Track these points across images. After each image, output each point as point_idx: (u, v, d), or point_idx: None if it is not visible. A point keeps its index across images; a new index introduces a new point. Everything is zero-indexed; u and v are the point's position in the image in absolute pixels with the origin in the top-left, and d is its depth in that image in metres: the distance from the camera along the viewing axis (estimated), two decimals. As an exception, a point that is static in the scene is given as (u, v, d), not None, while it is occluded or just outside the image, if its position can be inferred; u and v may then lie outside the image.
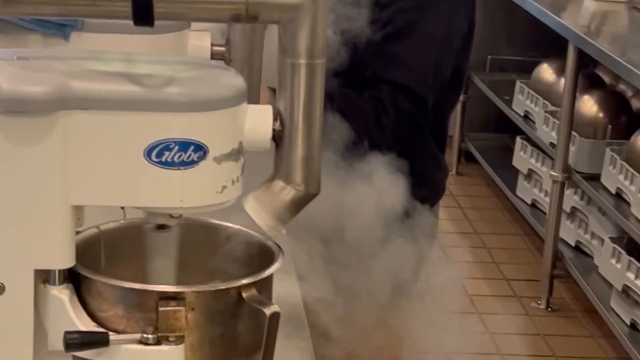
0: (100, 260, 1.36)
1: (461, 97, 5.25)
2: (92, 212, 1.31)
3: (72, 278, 1.25)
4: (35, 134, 1.18)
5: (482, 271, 4.32)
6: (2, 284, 1.21)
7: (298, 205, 1.30)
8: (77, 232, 1.33)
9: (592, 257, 3.97)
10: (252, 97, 1.62)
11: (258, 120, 1.26)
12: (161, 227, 1.29)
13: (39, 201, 1.20)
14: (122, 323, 1.23)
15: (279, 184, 1.29)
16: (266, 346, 1.24)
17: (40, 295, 1.24)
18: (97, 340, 1.20)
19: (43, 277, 1.24)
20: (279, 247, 1.33)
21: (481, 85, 5.16)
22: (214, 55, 1.63)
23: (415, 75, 2.15)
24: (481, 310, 4.00)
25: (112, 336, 1.20)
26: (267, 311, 1.23)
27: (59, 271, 1.24)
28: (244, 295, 1.24)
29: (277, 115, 1.27)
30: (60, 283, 1.24)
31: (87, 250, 1.33)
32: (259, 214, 1.29)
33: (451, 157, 5.37)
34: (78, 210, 1.29)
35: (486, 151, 5.22)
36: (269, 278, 1.29)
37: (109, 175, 1.21)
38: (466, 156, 5.38)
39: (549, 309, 4.04)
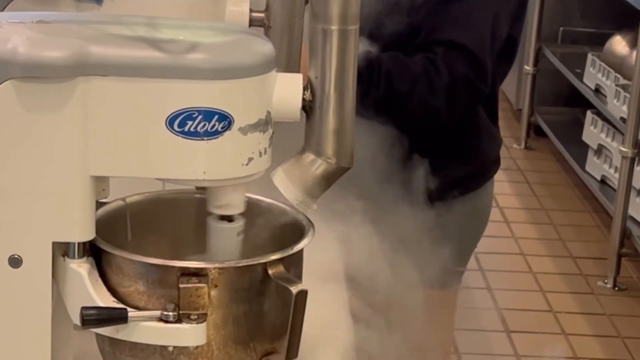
0: (126, 234, 1.31)
1: (531, 70, 5.17)
2: (129, 183, 1.26)
3: (93, 252, 1.21)
4: (53, 101, 1.13)
5: (548, 248, 4.22)
6: (19, 256, 1.17)
7: (329, 179, 1.24)
8: (103, 204, 1.29)
9: (662, 236, 3.86)
10: (292, 65, 1.56)
11: (287, 90, 1.20)
12: (225, 217, 1.24)
13: (57, 171, 1.16)
14: (142, 299, 1.18)
15: (309, 156, 1.23)
16: (292, 326, 1.18)
17: (59, 269, 1.19)
18: (114, 317, 1.15)
19: (62, 250, 1.19)
20: (310, 221, 1.27)
21: (552, 58, 5.04)
22: (252, 22, 1.57)
23: (473, 35, 2.04)
24: (545, 289, 3.90)
25: (131, 313, 1.15)
26: (294, 289, 1.17)
27: (78, 244, 1.19)
28: (270, 272, 1.19)
29: (307, 84, 1.21)
30: (80, 257, 1.19)
31: (113, 223, 1.29)
32: (288, 188, 1.24)
33: (520, 131, 5.27)
34: (101, 182, 1.24)
35: (556, 125, 5.09)
36: (298, 254, 1.23)
37: (129, 145, 1.16)
38: (536, 130, 5.26)
39: (616, 288, 3.94)
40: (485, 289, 3.89)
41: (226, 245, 1.25)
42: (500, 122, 5.97)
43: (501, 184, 4.79)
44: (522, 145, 5.23)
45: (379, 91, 1.97)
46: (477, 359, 3.43)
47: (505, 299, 3.80)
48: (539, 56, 5.15)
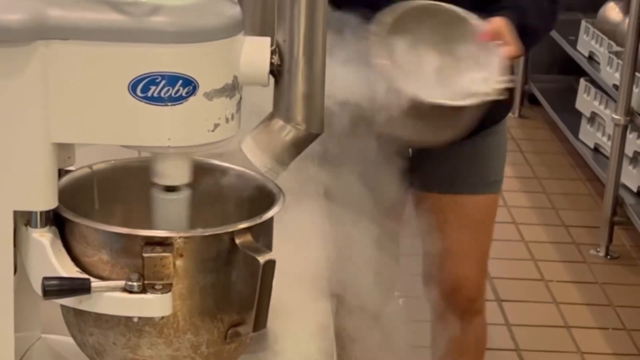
0: (94, 203, 1.28)
1: (525, 38, 5.12)
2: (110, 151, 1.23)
3: (57, 221, 1.18)
4: (12, 66, 1.10)
5: (540, 217, 4.19)
6: (-21, 225, 1.14)
7: (299, 145, 1.21)
8: (68, 172, 1.26)
9: (654, 204, 3.83)
10: (268, 30, 1.53)
11: (255, 54, 1.17)
12: (171, 188, 1.21)
13: (18, 138, 1.13)
14: (106, 269, 1.15)
15: (278, 122, 1.20)
16: (260, 296, 1.15)
17: (21, 239, 1.17)
18: (77, 287, 1.12)
19: (25, 219, 1.17)
20: (280, 189, 1.24)
21: (546, 25, 4.98)
22: (226, -14, 1.53)
23: None
24: (537, 257, 3.88)
25: (94, 283, 1.13)
26: (262, 259, 1.14)
27: (41, 213, 1.16)
28: (238, 241, 1.16)
29: (276, 48, 1.18)
30: (42, 226, 1.16)
31: (80, 191, 1.26)
32: (256, 155, 1.21)
33: (514, 100, 5.23)
34: (65, 149, 1.22)
35: (550, 94, 5.05)
36: (267, 223, 1.20)
37: (91, 111, 1.12)
38: (529, 99, 5.22)
39: (608, 257, 3.91)
40: (476, 258, 3.86)
41: (172, 218, 1.22)
42: (494, 91, 5.91)
43: (494, 152, 4.76)
44: (516, 114, 5.19)
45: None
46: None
47: (497, 268, 3.77)
48: (532, 23, 5.10)
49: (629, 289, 3.70)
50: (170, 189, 1.20)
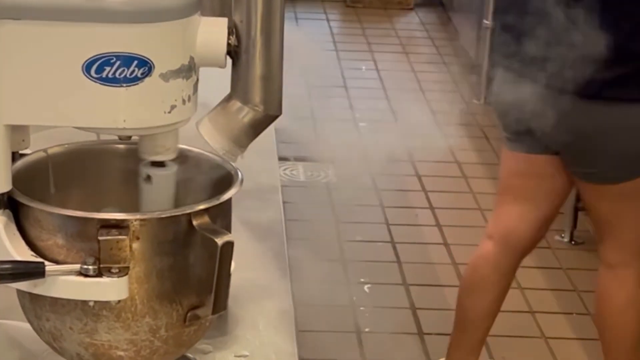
0: (49, 186, 1.26)
1: (490, 24, 5.13)
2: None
3: (11, 205, 1.16)
4: (-37, 47, 1.08)
5: (505, 203, 4.20)
6: None
7: (257, 127, 1.20)
8: (23, 155, 1.24)
9: (618, 190, 3.84)
10: (227, 12, 1.51)
11: (212, 34, 1.16)
12: (157, 164, 1.20)
13: (-30, 120, 1.11)
14: (62, 253, 1.13)
15: (235, 104, 1.19)
16: (218, 278, 1.14)
17: (-25, 222, 1.15)
18: (31, 271, 1.11)
19: (-22, 202, 1.15)
20: (238, 171, 1.23)
21: (510, 12, 5.00)
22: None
23: None
24: (502, 243, 3.88)
25: (49, 267, 1.11)
26: (219, 241, 1.13)
27: (-6, 196, 1.14)
28: (195, 223, 1.15)
29: (233, 28, 1.17)
30: (-4, 209, 1.15)
31: (35, 175, 1.24)
32: (214, 137, 1.19)
33: (479, 86, 5.24)
34: (18, 132, 1.20)
35: (515, 80, 5.06)
36: (225, 204, 1.19)
37: (44, 93, 1.11)
38: (494, 85, 5.23)
39: (573, 242, 3.93)
40: (442, 244, 3.87)
41: (161, 193, 1.21)
42: (459, 77, 5.95)
43: (460, 139, 4.77)
44: (481, 100, 5.20)
45: None
46: (432, 315, 3.42)
47: (462, 254, 3.78)
48: (495, 10, 5.11)
49: (593, 274, 3.69)
50: (159, 164, 1.19)
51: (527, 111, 2.56)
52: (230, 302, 1.33)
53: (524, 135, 2.64)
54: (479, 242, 2.87)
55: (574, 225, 3.95)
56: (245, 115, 1.18)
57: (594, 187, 2.64)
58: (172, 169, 1.22)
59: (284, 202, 1.82)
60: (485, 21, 5.18)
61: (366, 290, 3.54)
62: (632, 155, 2.58)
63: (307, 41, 5.95)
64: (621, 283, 2.71)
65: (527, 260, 3.77)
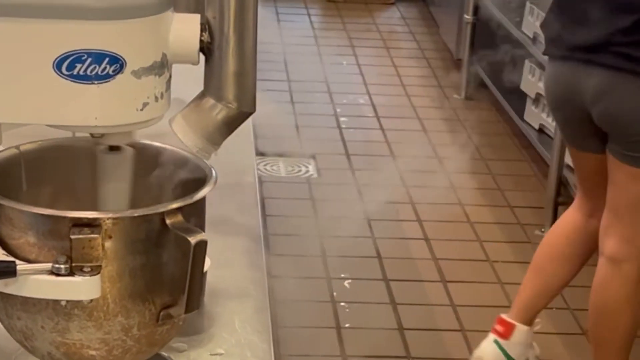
0: (22, 184, 1.25)
1: (471, 19, 5.14)
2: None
3: (-18, 202, 1.15)
4: None
5: (486, 198, 4.21)
6: None
7: (231, 124, 1.19)
8: (-5, 153, 1.23)
9: (598, 184, 3.84)
10: (201, 8, 1.50)
11: (184, 31, 1.15)
12: (113, 148, 1.19)
13: (-61, 118, 1.10)
14: (33, 252, 1.12)
15: (209, 101, 1.18)
16: (192, 277, 1.13)
17: (-55, 221, 1.14)
18: (2, 270, 1.10)
19: (-51, 201, 1.14)
20: (212, 169, 1.22)
21: (491, 7, 5.00)
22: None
23: None
24: (483, 238, 3.89)
25: (20, 266, 1.10)
26: (193, 240, 1.12)
27: (-36, 195, 1.13)
28: (168, 222, 1.14)
29: (206, 25, 1.16)
30: (-34, 208, 1.13)
31: (7, 172, 1.23)
32: (187, 135, 1.19)
33: (460, 80, 5.24)
34: (-10, 129, 1.18)
35: (495, 75, 5.06)
36: (199, 203, 1.18)
37: (15, 90, 1.10)
38: (475, 80, 5.23)
39: (553, 237, 3.93)
40: (422, 239, 3.87)
41: (116, 177, 1.20)
42: (440, 72, 5.96)
43: (441, 134, 4.77)
44: (462, 95, 5.21)
45: None
46: (413, 310, 3.41)
47: (442, 249, 3.79)
48: (478, 5, 5.11)
49: (574, 270, 3.72)
50: (114, 148, 1.19)
51: (589, 96, 2.63)
52: (206, 300, 1.33)
53: (584, 138, 2.73)
54: (567, 215, 2.97)
55: (554, 220, 3.95)
56: (219, 112, 1.18)
57: (633, 170, 2.65)
58: (126, 153, 1.21)
59: (264, 198, 1.81)
60: (465, 16, 5.18)
61: (346, 285, 3.54)
62: None
63: (288, 36, 5.95)
64: (624, 278, 2.71)
65: (507, 255, 3.79)
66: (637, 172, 2.64)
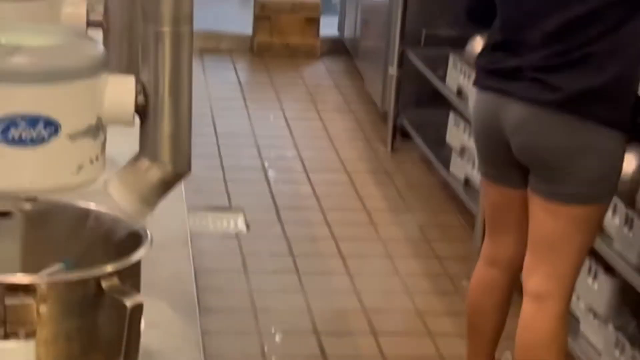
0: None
1: (396, 72, 5.20)
2: None
3: None
4: None
5: (414, 249, 4.24)
6: None
7: (166, 186, 1.19)
8: None
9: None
10: (133, 69, 1.51)
11: (119, 93, 1.15)
12: (3, 214, 1.18)
13: None
14: (-33, 317, 1.11)
15: (144, 163, 1.18)
16: (128, 341, 1.13)
17: None
18: None
19: None
20: (146, 231, 1.22)
21: (416, 61, 5.07)
22: (90, 24, 1.51)
23: None
24: (411, 289, 3.92)
25: (-47, 332, 1.09)
26: (129, 303, 1.12)
27: None
28: (104, 285, 1.13)
29: (141, 87, 1.16)
30: None
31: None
32: (122, 197, 1.18)
33: (386, 133, 5.30)
34: None
35: (421, 127, 5.13)
36: (134, 265, 1.18)
37: (-52, 154, 1.09)
38: (402, 133, 5.29)
39: (481, 288, 3.97)
40: (352, 291, 3.88)
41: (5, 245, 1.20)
42: (367, 125, 6.01)
43: (368, 186, 4.81)
44: (389, 148, 5.26)
45: None
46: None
47: (372, 300, 3.80)
48: (403, 59, 5.18)
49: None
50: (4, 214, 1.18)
51: (508, 129, 2.68)
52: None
53: (502, 167, 2.77)
54: (477, 269, 2.98)
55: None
56: (155, 174, 1.18)
57: (554, 207, 2.67)
58: (17, 218, 1.20)
59: (194, 253, 1.81)
60: (390, 69, 5.25)
61: (277, 340, 3.53)
62: (596, 178, 2.64)
63: (215, 90, 5.96)
64: (549, 315, 2.74)
65: (436, 306, 3.82)
66: (556, 208, 2.67)
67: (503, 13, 2.72)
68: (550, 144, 2.63)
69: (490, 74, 2.73)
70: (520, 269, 2.86)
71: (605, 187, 2.65)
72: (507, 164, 2.74)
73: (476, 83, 2.82)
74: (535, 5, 2.61)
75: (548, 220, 2.69)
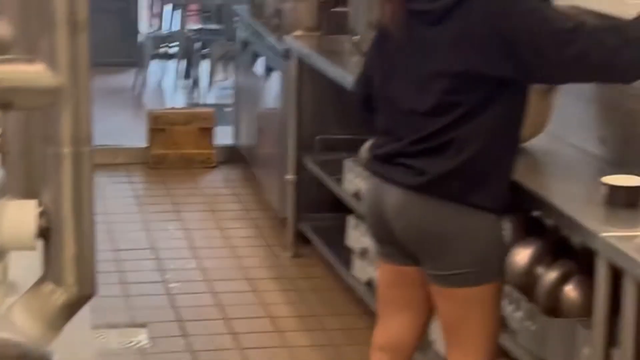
0: None
1: (293, 179, 5.24)
2: None
3: None
4: None
5: (321, 354, 4.22)
6: None
7: (72, 308, 1.18)
8: None
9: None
10: (32, 192, 1.50)
11: (19, 218, 1.14)
12: None
13: None
14: None
15: (48, 286, 1.17)
16: None
17: None
18: None
19: None
20: (51, 355, 1.20)
21: (312, 166, 5.12)
22: (-13, 148, 1.50)
23: None
24: (321, 396, 3.89)
25: None
26: None
27: None
28: (11, 414, 1.11)
29: (42, 210, 1.16)
30: None
31: None
32: (26, 322, 1.16)
33: (287, 239, 5.31)
34: None
35: (321, 231, 5.16)
36: (42, 392, 1.16)
37: None
38: (302, 237, 5.31)
39: None
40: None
41: None
42: (267, 232, 6.01)
43: (272, 293, 4.79)
44: (290, 253, 5.26)
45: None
46: None
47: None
48: (299, 165, 5.23)
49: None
50: None
51: (390, 213, 2.75)
52: None
53: (391, 246, 2.82)
54: (370, 355, 3.00)
55: None
56: (59, 297, 1.16)
57: (444, 290, 2.72)
58: None
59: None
60: (287, 176, 5.28)
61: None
62: (476, 260, 2.68)
63: (112, 205, 5.91)
64: None
65: None
66: (447, 291, 2.72)
67: (380, 102, 2.84)
68: (426, 228, 2.71)
69: (375, 159, 2.85)
70: (411, 354, 2.90)
71: (488, 267, 2.71)
72: (397, 244, 2.81)
73: (366, 167, 2.91)
74: (404, 94, 2.73)
75: (444, 304, 2.75)
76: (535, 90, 3.01)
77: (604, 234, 2.42)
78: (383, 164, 2.78)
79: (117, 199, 6.07)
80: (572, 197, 2.79)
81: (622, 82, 2.74)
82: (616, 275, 2.42)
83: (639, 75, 2.64)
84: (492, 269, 2.72)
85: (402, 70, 2.72)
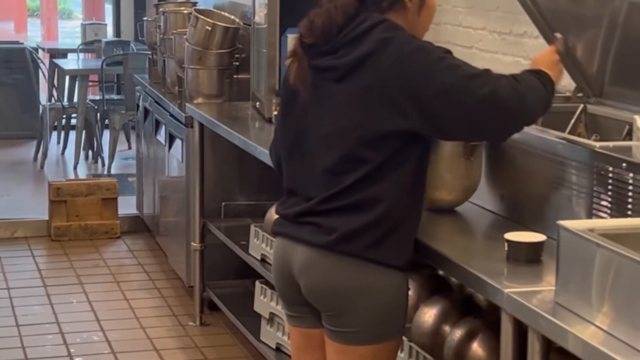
0: None
1: (199, 246, 5.20)
2: None
3: None
4: None
5: None
6: None
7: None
8: None
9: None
10: None
11: None
12: None
13: None
14: None
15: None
16: None
17: None
18: None
19: None
20: None
21: (217, 233, 5.09)
22: None
23: None
24: None
25: None
26: None
27: None
28: None
29: None
30: None
31: None
32: None
33: (194, 308, 5.25)
34: None
35: (228, 298, 5.11)
36: None
37: None
38: (209, 305, 5.26)
39: None
40: None
41: None
42: (173, 301, 5.97)
43: (180, 363, 4.73)
44: (198, 322, 5.20)
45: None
46: None
47: None
48: (204, 232, 5.20)
49: None
50: None
51: (296, 270, 2.75)
52: None
53: (298, 308, 2.82)
54: None
55: None
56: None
57: (342, 347, 2.71)
58: None
59: None
60: (193, 243, 5.24)
61: None
62: (378, 318, 2.68)
63: (13, 280, 5.79)
64: None
65: None
66: (344, 348, 2.72)
67: (289, 161, 2.85)
68: (331, 284, 2.71)
69: (282, 219, 2.84)
70: None
71: (388, 326, 2.71)
72: (303, 305, 2.80)
73: (273, 227, 2.89)
74: (314, 151, 2.74)
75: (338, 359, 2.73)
76: (462, 154, 3.04)
77: (508, 290, 2.44)
78: (291, 223, 2.77)
79: (18, 273, 5.95)
80: (475, 253, 2.82)
81: (525, 125, 2.72)
82: (521, 331, 2.44)
83: (536, 119, 2.77)
84: (393, 327, 2.72)
85: (313, 128, 2.72)
